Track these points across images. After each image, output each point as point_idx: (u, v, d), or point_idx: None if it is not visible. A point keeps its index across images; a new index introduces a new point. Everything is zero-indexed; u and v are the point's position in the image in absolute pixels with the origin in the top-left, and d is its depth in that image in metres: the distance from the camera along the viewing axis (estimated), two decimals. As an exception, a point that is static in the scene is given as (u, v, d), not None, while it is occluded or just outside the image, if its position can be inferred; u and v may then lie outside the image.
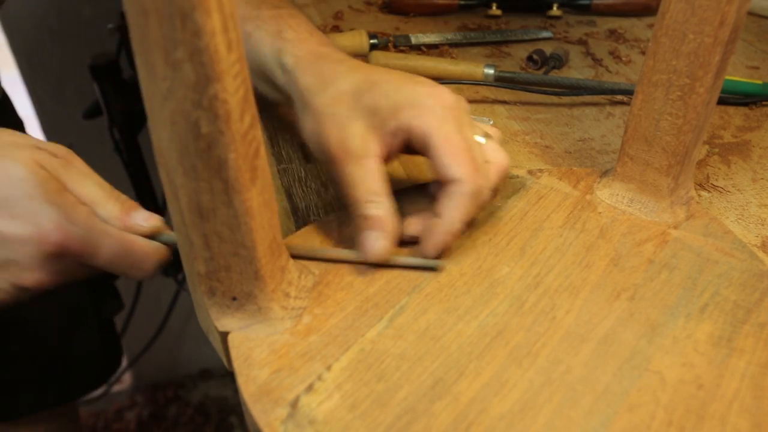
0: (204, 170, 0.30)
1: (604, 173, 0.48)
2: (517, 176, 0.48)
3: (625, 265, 0.40)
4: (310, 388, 0.33)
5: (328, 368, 0.34)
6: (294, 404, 0.32)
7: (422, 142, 0.39)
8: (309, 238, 0.42)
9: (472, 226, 0.43)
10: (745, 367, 0.34)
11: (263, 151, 0.33)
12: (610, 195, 0.46)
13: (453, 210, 0.39)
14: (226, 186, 0.30)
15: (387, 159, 0.41)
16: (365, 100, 0.40)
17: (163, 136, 0.30)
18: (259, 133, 0.32)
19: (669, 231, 0.43)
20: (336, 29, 0.80)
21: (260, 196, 0.32)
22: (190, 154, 0.29)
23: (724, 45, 0.39)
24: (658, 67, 0.41)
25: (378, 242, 0.39)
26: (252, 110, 0.31)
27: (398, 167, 0.55)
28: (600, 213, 0.45)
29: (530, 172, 0.49)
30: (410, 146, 0.41)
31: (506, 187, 0.47)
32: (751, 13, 0.84)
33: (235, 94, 0.29)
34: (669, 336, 0.36)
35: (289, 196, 0.52)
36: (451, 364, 0.34)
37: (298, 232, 0.43)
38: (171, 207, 0.33)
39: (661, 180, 0.44)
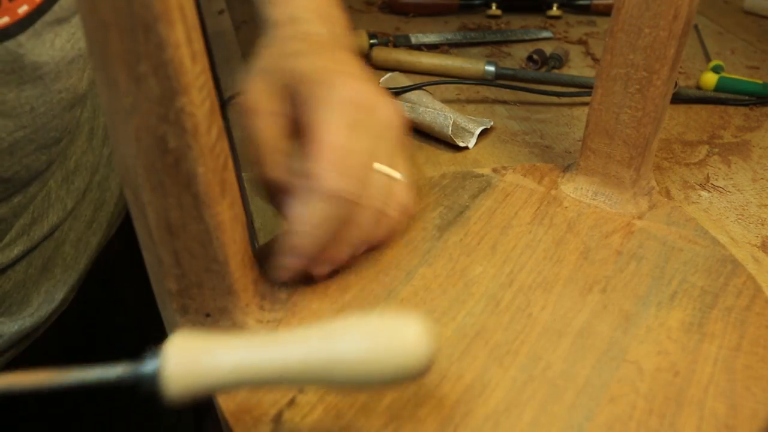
0: (172, 186, 0.29)
1: (567, 168, 0.49)
2: (483, 175, 0.48)
3: (595, 258, 0.41)
4: (292, 402, 0.32)
5: (309, 380, 0.33)
6: (277, 420, 0.31)
7: (304, 122, 0.35)
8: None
9: (442, 228, 0.43)
10: (717, 352, 0.35)
11: (231, 163, 0.32)
12: (575, 189, 0.47)
13: (301, 208, 0.34)
14: (195, 201, 0.30)
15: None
16: (284, 65, 0.37)
17: (128, 153, 0.29)
18: (226, 146, 0.31)
19: (634, 222, 0.44)
20: (336, 29, 0.80)
21: (230, 209, 0.32)
22: (157, 170, 0.29)
23: (678, 38, 0.40)
24: (616, 61, 0.42)
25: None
26: (218, 122, 0.30)
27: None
28: (566, 207, 0.45)
29: (495, 170, 0.49)
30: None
31: (473, 186, 0.47)
32: (751, 13, 0.85)
33: (201, 106, 0.28)
34: (642, 325, 0.37)
35: None
36: (432, 367, 0.34)
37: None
38: (138, 225, 0.32)
39: (623, 172, 0.45)
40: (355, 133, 0.34)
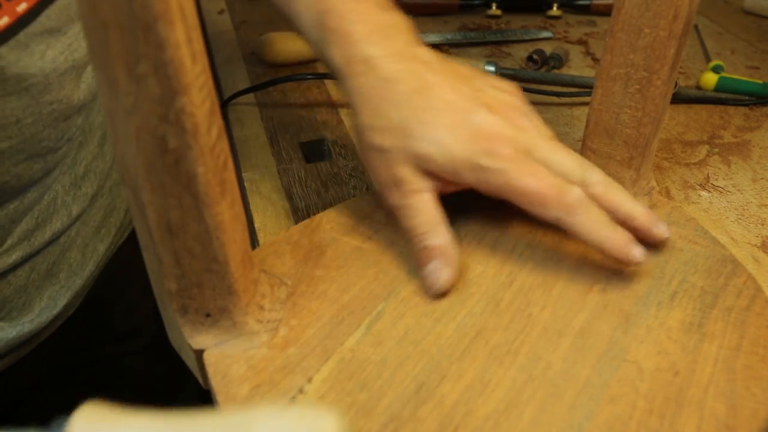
0: (173, 185, 0.29)
1: (567, 168, 0.49)
2: (483, 175, 0.48)
3: (595, 258, 0.41)
4: (292, 402, 0.32)
5: (309, 380, 0.33)
6: (277, 420, 0.31)
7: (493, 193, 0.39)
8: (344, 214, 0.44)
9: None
10: (717, 352, 0.35)
11: (231, 163, 0.32)
12: (575, 189, 0.47)
13: (587, 232, 0.37)
14: (196, 201, 0.30)
15: (442, 191, 0.41)
16: (411, 146, 0.39)
17: (127, 153, 0.29)
18: (226, 145, 0.31)
19: (634, 222, 0.44)
20: (337, 29, 0.79)
21: (231, 209, 0.32)
22: (157, 170, 0.29)
23: (678, 38, 0.40)
24: (616, 61, 0.42)
25: (443, 272, 0.38)
26: (218, 122, 0.30)
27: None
28: (566, 207, 0.45)
29: (495, 170, 0.49)
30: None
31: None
32: (751, 13, 0.85)
33: (201, 106, 0.28)
34: (643, 325, 0.37)
35: (289, 196, 0.52)
36: (432, 367, 0.34)
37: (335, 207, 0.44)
38: (137, 225, 0.32)
39: (623, 172, 0.45)
40: (514, 165, 0.38)
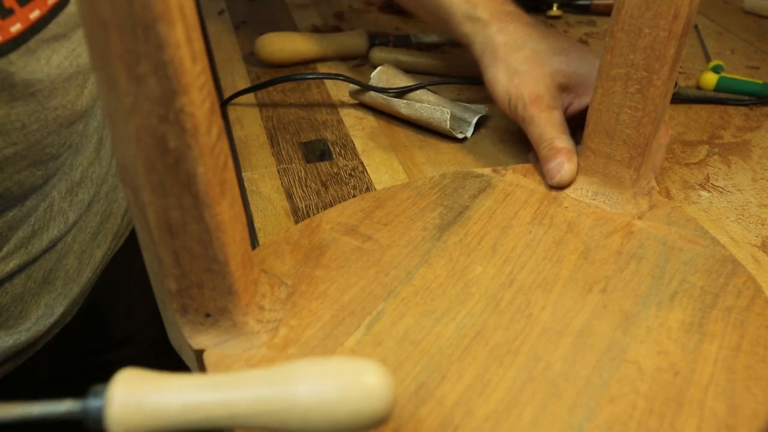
0: (173, 186, 0.29)
1: (567, 168, 0.49)
2: (483, 175, 0.48)
3: (595, 258, 0.41)
4: (292, 402, 0.32)
5: (309, 380, 0.33)
6: (277, 420, 0.31)
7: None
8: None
9: (442, 228, 0.43)
10: (717, 352, 0.35)
11: (231, 163, 0.32)
12: (575, 189, 0.47)
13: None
14: (196, 201, 0.30)
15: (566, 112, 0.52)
16: (557, 64, 0.50)
17: (127, 153, 0.29)
18: (226, 145, 0.31)
19: (634, 222, 0.44)
20: (336, 29, 0.79)
21: (231, 209, 0.32)
22: (157, 170, 0.29)
23: (678, 38, 0.40)
24: (616, 61, 0.42)
25: (566, 165, 0.46)
26: (218, 122, 0.30)
27: (398, 168, 0.55)
28: (566, 207, 0.45)
29: (494, 170, 0.49)
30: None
31: (473, 186, 0.47)
32: (751, 13, 0.85)
33: (201, 106, 0.28)
34: (643, 325, 0.37)
35: (289, 196, 0.52)
36: (432, 367, 0.34)
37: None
38: (137, 225, 0.32)
39: (623, 172, 0.45)
40: None
